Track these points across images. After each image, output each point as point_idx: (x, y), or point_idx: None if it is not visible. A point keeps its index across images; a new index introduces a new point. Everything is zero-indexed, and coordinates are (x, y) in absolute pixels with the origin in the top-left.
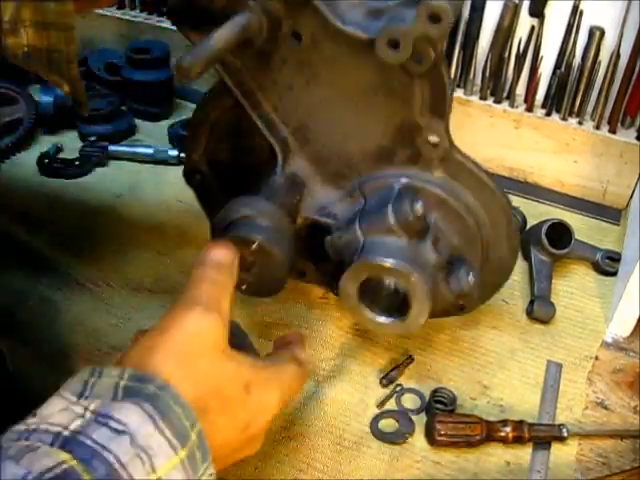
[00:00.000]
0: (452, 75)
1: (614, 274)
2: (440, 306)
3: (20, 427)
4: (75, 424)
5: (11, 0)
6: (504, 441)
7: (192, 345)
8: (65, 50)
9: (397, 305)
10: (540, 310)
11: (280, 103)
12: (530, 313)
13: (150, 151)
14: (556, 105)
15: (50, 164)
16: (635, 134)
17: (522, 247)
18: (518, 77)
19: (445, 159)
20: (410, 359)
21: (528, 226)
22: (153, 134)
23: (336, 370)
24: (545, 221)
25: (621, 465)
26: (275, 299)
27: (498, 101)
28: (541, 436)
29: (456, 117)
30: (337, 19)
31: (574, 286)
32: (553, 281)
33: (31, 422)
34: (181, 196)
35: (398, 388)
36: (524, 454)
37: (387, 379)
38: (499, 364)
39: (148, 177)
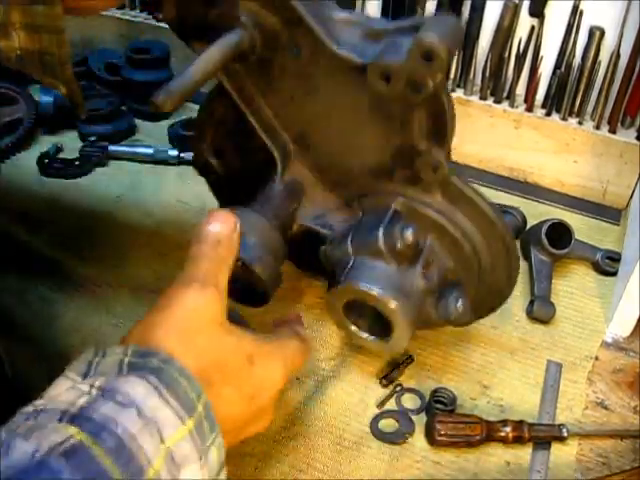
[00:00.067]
0: (452, 75)
1: (614, 274)
2: (432, 325)
3: (28, 409)
4: (82, 400)
5: None
6: (504, 441)
7: (191, 321)
8: (57, 53)
9: (383, 323)
10: (540, 310)
11: (281, 110)
12: (530, 313)
13: (150, 151)
14: (556, 105)
15: (50, 164)
16: (635, 134)
17: (522, 247)
18: (518, 77)
19: (445, 184)
20: (410, 359)
21: (528, 226)
22: (153, 134)
23: (336, 370)
24: (545, 221)
25: (621, 465)
26: (275, 299)
27: (498, 101)
28: (541, 436)
29: (456, 117)
30: (331, 40)
31: (574, 286)
32: (553, 281)
33: (38, 403)
34: (181, 196)
35: (398, 388)
36: (524, 454)
37: (387, 379)
38: (499, 364)
39: (148, 177)
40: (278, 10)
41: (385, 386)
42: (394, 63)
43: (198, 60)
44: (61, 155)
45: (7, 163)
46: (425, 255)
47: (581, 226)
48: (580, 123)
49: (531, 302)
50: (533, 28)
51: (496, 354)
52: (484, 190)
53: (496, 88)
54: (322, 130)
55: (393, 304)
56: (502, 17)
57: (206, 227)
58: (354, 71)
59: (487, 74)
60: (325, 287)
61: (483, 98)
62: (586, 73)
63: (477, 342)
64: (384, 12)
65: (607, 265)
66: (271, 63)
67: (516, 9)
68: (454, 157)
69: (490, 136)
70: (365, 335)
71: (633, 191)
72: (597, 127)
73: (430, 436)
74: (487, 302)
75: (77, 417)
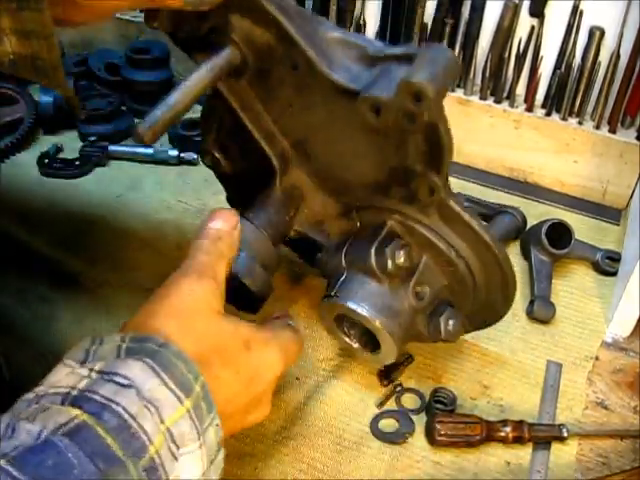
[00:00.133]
0: None
1: (614, 274)
2: (424, 339)
3: (29, 395)
4: (82, 384)
5: None
6: (504, 441)
7: (188, 307)
8: (48, 58)
9: (373, 335)
10: (540, 310)
11: (280, 117)
12: (530, 313)
13: (150, 151)
14: (556, 105)
15: (50, 164)
16: (635, 134)
17: (522, 247)
18: (518, 77)
19: (441, 206)
20: (410, 359)
21: (528, 226)
22: None
23: (336, 370)
24: (545, 221)
25: (621, 465)
26: (275, 299)
27: (498, 101)
28: (541, 436)
29: (456, 117)
30: (324, 61)
31: (574, 286)
32: (553, 281)
33: (39, 390)
34: (181, 196)
35: (398, 388)
36: (524, 454)
37: (387, 379)
38: (499, 364)
39: (148, 177)
40: (269, 28)
41: (385, 386)
42: (384, 97)
43: (183, 85)
44: (61, 155)
45: (7, 163)
46: (418, 274)
47: (581, 226)
48: (580, 123)
49: (531, 302)
50: (533, 28)
51: (496, 354)
52: (484, 190)
53: (496, 88)
54: (320, 141)
55: (379, 323)
56: (502, 17)
57: (208, 224)
58: (348, 94)
59: (487, 74)
60: (325, 286)
61: (483, 98)
62: (586, 73)
63: (477, 342)
64: (384, 12)
65: (607, 265)
66: (269, 73)
67: (516, 9)
68: (454, 157)
69: (490, 136)
70: (356, 345)
71: (633, 191)
72: (597, 127)
73: (430, 436)
74: (482, 316)
75: (79, 399)
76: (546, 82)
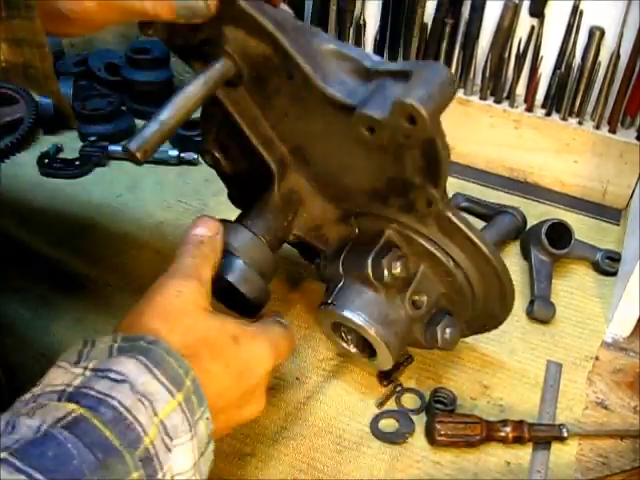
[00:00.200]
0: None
1: (614, 274)
2: (421, 346)
3: (26, 396)
4: (77, 381)
5: None
6: (504, 441)
7: (175, 304)
8: (40, 67)
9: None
10: (540, 310)
11: (278, 124)
12: (530, 313)
13: None
14: (556, 105)
15: (50, 164)
16: (635, 134)
17: (522, 247)
18: (518, 77)
19: (439, 218)
20: (410, 359)
21: (528, 226)
22: None
23: (336, 370)
24: (545, 221)
25: (621, 465)
26: (275, 299)
27: (498, 101)
28: (541, 436)
29: (456, 117)
30: (319, 75)
31: (574, 286)
32: (553, 281)
33: (35, 390)
34: (181, 196)
35: (398, 388)
36: (524, 454)
37: (387, 379)
38: (499, 364)
39: (148, 177)
40: (263, 39)
41: (385, 386)
42: (378, 116)
43: (176, 99)
44: (61, 155)
45: (7, 163)
46: (416, 284)
47: (581, 226)
48: (580, 123)
49: (531, 302)
50: (533, 28)
51: (496, 354)
52: (484, 190)
53: (496, 88)
54: (318, 149)
55: (374, 333)
56: (502, 17)
57: (191, 231)
58: (343, 109)
59: (487, 74)
60: (323, 289)
61: (483, 98)
62: (586, 73)
63: (477, 342)
64: (384, 12)
65: (607, 265)
66: (266, 82)
67: (516, 9)
68: (454, 157)
69: (490, 136)
70: (353, 351)
71: (633, 191)
72: (597, 127)
73: (430, 436)
74: (481, 322)
75: (75, 395)
76: (546, 82)
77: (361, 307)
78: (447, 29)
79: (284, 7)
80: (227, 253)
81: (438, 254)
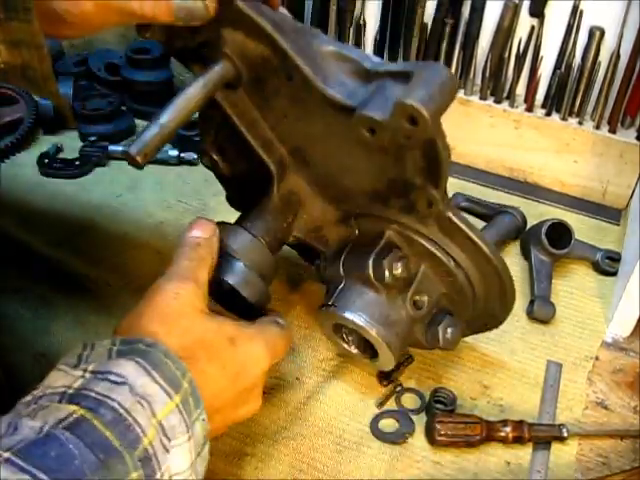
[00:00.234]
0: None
1: (614, 274)
2: (422, 346)
3: (27, 398)
4: (77, 383)
5: None
6: (504, 441)
7: (172, 306)
8: (39, 68)
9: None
10: (540, 310)
11: (277, 125)
12: (530, 313)
13: None
14: (556, 105)
15: (50, 164)
16: (635, 134)
17: (522, 247)
18: (518, 77)
19: (440, 219)
20: (410, 359)
21: (528, 226)
22: None
23: (336, 370)
24: (545, 221)
25: (621, 465)
26: (275, 299)
27: (498, 101)
28: (541, 436)
29: (456, 117)
30: (319, 77)
31: (574, 286)
32: (553, 281)
33: (36, 392)
34: (181, 196)
35: (398, 388)
36: (524, 454)
37: (387, 379)
38: (499, 364)
39: (148, 177)
40: (262, 41)
41: (385, 386)
42: (379, 118)
43: (175, 102)
44: (61, 155)
45: (7, 163)
46: (416, 284)
47: (581, 226)
48: (580, 123)
49: (531, 302)
50: (533, 28)
51: (496, 354)
52: (484, 190)
53: (496, 88)
54: (317, 150)
55: (376, 333)
56: (502, 17)
57: (187, 234)
58: (343, 110)
59: (487, 74)
60: (323, 291)
61: (483, 98)
62: (586, 73)
63: (477, 342)
64: (384, 12)
65: (607, 265)
66: (265, 83)
67: (516, 9)
68: (454, 157)
69: (490, 136)
70: (355, 351)
71: (633, 191)
72: (597, 127)
73: (430, 436)
74: (482, 321)
75: (75, 397)
76: (546, 82)
77: (362, 308)
78: (447, 29)
79: (283, 10)
80: (227, 255)
81: (439, 254)
